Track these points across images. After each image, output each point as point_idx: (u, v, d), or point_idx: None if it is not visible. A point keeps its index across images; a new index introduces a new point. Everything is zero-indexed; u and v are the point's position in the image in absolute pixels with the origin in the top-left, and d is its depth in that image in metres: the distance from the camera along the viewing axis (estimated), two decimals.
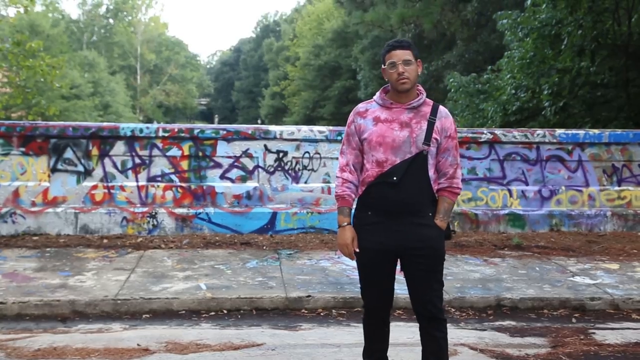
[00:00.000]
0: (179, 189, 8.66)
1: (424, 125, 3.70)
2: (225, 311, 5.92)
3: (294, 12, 68.25)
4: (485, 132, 9.19)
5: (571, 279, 6.92)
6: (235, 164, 8.79)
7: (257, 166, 8.80)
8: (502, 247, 8.25)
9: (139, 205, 8.60)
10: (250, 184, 8.79)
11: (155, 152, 8.62)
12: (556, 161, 9.27)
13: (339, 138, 8.86)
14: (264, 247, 8.05)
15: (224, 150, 8.75)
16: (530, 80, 14.35)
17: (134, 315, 5.81)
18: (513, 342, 5.24)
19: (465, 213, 9.02)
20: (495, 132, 9.22)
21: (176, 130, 8.71)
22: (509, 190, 9.18)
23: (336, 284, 6.47)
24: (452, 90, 17.43)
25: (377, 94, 3.88)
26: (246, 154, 8.78)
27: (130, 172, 8.61)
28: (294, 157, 8.87)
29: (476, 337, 5.33)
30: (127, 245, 7.97)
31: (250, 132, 8.81)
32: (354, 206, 3.87)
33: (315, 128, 9.06)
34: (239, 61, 78.57)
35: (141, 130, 8.60)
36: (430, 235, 3.71)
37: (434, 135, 3.69)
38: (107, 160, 8.57)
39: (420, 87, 3.82)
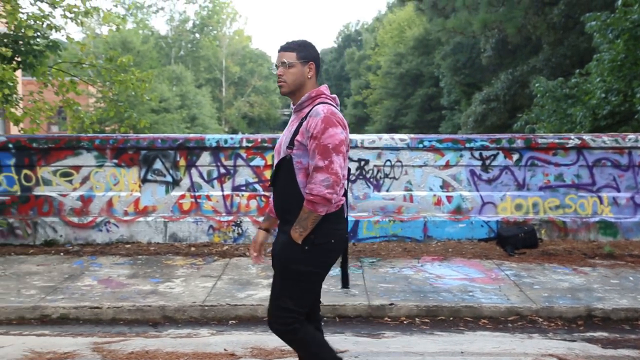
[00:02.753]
0: (262, 198, 8.82)
1: (296, 126, 3.52)
2: None
3: (375, 21, 68.26)
4: (572, 137, 8.92)
5: None
6: None
7: None
8: (593, 256, 7.98)
9: (224, 214, 8.81)
10: None
11: (240, 162, 8.82)
12: None
13: (421, 146, 8.81)
14: None
15: None
16: (621, 84, 13.81)
17: (221, 321, 5.95)
18: (605, 354, 5.06)
19: (552, 221, 8.78)
20: (584, 137, 8.93)
21: (259, 140, 8.88)
22: (599, 197, 8.86)
23: (419, 292, 6.43)
24: (538, 95, 16.98)
25: None
26: None
27: (215, 182, 8.84)
28: (375, 166, 8.88)
29: (565, 348, 5.17)
30: (214, 253, 8.18)
31: None
32: None
33: (397, 136, 9.04)
34: (321, 71, 79.18)
35: (226, 141, 8.82)
36: (282, 244, 3.54)
37: (297, 137, 3.46)
38: (193, 171, 8.83)
39: (320, 88, 3.59)
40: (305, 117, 3.47)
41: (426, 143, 8.86)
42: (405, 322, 5.91)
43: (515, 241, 8.32)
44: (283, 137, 3.62)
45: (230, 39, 69.76)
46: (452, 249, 8.34)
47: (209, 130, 49.73)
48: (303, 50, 3.55)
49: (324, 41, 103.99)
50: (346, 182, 3.61)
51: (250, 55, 72.60)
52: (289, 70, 3.52)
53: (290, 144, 3.47)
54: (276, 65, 3.57)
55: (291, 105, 3.68)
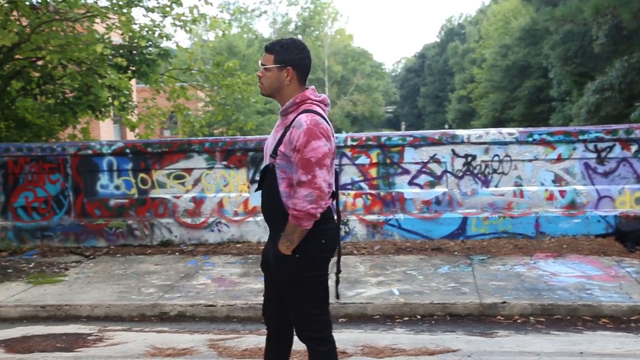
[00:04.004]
0: (368, 196, 8.82)
1: (280, 134, 3.39)
2: (418, 316, 5.94)
3: (478, 13, 66.83)
4: None
5: None
6: (423, 169, 8.78)
7: (445, 171, 8.73)
8: None
9: None
10: (439, 190, 8.73)
11: (345, 160, 8.86)
12: None
13: (530, 139, 8.54)
14: (455, 253, 7.96)
15: (411, 156, 8.78)
16: None
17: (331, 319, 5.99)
18: None
19: None
20: None
21: (364, 138, 8.88)
22: None
23: (533, 290, 6.23)
24: None
25: None
26: (434, 159, 8.74)
27: None
28: (483, 161, 8.68)
29: None
30: None
31: (437, 137, 8.75)
32: None
33: (505, 130, 8.80)
34: (424, 67, 78.30)
35: None
36: (274, 256, 3.46)
37: (280, 147, 3.34)
38: None
39: (300, 93, 3.41)
40: (290, 125, 3.35)
41: (536, 136, 8.57)
42: (518, 320, 5.75)
43: (636, 237, 7.90)
44: (269, 141, 3.51)
45: (332, 39, 70.23)
46: (567, 245, 8.02)
47: None
48: (282, 53, 3.38)
49: (427, 36, 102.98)
50: (334, 186, 3.54)
51: (352, 54, 72.79)
52: (266, 73, 3.41)
53: (274, 153, 3.37)
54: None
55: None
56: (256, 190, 3.50)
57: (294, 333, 3.61)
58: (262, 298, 3.72)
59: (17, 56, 9.74)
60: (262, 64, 3.40)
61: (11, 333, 5.88)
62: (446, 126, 59.90)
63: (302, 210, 3.27)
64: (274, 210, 3.43)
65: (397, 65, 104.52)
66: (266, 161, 3.46)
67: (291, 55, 3.38)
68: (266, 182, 3.43)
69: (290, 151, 3.30)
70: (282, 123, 3.44)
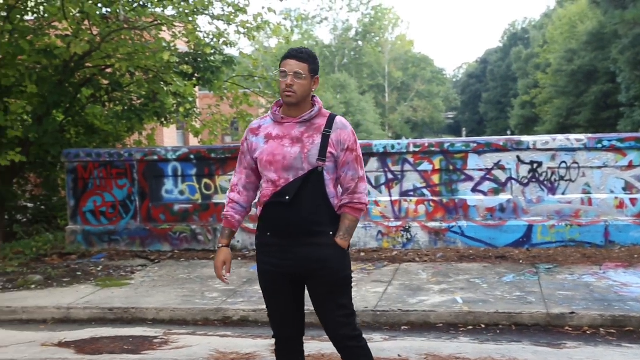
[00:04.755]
0: (431, 203, 8.73)
1: (317, 139, 3.40)
2: (483, 325, 5.83)
3: (543, 17, 65.49)
4: None
5: None
6: (487, 176, 8.64)
7: (510, 178, 8.57)
8: None
9: (393, 219, 8.82)
10: (504, 197, 8.58)
11: (407, 167, 8.79)
12: None
13: (599, 146, 8.30)
14: (520, 261, 7.79)
15: (474, 163, 8.65)
16: None
17: (393, 327, 5.95)
18: None
19: None
20: None
21: (427, 145, 8.80)
22: None
23: (603, 301, 6.04)
24: None
25: (271, 107, 3.56)
26: (498, 165, 8.59)
27: (383, 187, 8.87)
28: (549, 168, 8.48)
29: None
30: (383, 259, 8.21)
31: (501, 143, 8.60)
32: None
33: (572, 136, 8.58)
34: (486, 72, 77.23)
35: (393, 147, 8.83)
36: (329, 255, 3.43)
37: (329, 149, 3.40)
38: None
39: (316, 98, 3.50)
40: (329, 128, 3.42)
41: (605, 143, 8.32)
42: (588, 332, 5.58)
43: None
44: (288, 149, 3.41)
45: (393, 45, 70.05)
46: (638, 255, 7.75)
47: (373, 136, 50.24)
48: (314, 63, 3.46)
49: (489, 41, 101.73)
50: None
51: (413, 60, 72.44)
52: (299, 81, 3.39)
53: (323, 156, 3.39)
54: (283, 72, 3.41)
55: (272, 113, 3.54)
56: (288, 199, 3.37)
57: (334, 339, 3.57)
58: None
59: (87, 64, 10.04)
60: (299, 72, 3.38)
61: (81, 334, 6.05)
62: (509, 132, 58.90)
63: (365, 203, 3.52)
64: (319, 214, 3.42)
65: (458, 71, 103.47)
66: (295, 168, 3.39)
67: (318, 65, 3.52)
68: (308, 187, 3.40)
69: (340, 152, 3.44)
70: (311, 128, 3.44)
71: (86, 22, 9.51)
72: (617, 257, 7.69)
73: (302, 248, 3.41)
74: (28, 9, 9.97)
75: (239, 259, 8.58)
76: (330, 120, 3.46)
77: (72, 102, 10.59)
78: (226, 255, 3.65)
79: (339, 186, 3.52)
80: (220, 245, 3.67)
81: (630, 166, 8.29)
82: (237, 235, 8.98)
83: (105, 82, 10.74)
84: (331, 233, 3.44)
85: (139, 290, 7.24)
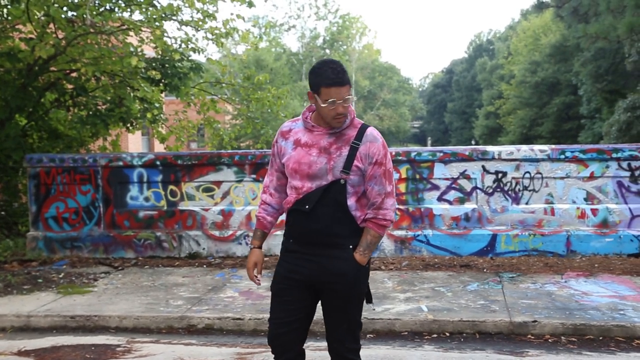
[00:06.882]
0: (397, 212, 8.78)
1: (345, 151, 3.35)
2: (447, 334, 5.87)
3: (508, 29, 66.56)
4: None
5: None
6: (453, 185, 8.73)
7: (475, 187, 8.67)
8: None
9: None
10: (469, 206, 8.67)
11: None
12: None
13: (562, 157, 8.45)
14: (485, 270, 7.87)
15: (441, 172, 8.73)
16: None
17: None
18: None
19: None
20: None
21: (393, 153, 8.84)
22: None
23: (564, 310, 6.13)
24: None
25: (303, 112, 3.53)
26: (464, 175, 8.69)
27: None
28: (513, 178, 8.60)
29: None
30: None
31: (467, 153, 8.70)
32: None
33: (536, 147, 8.72)
34: (451, 82, 78.14)
35: None
36: (345, 270, 3.37)
37: (355, 162, 3.34)
38: None
39: (350, 108, 3.42)
40: (359, 140, 3.36)
41: (568, 154, 8.48)
42: (550, 340, 5.65)
43: None
44: (314, 159, 3.38)
45: (360, 53, 70.36)
46: (599, 264, 7.90)
47: None
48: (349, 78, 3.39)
49: (454, 52, 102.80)
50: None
51: (380, 69, 72.86)
52: (348, 104, 3.34)
53: (347, 169, 3.33)
54: (332, 101, 3.28)
55: (302, 119, 3.51)
56: (308, 209, 3.36)
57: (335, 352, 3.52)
58: None
59: (52, 68, 9.90)
60: (346, 99, 3.31)
61: (41, 343, 5.93)
62: (473, 142, 59.61)
63: (390, 219, 3.44)
64: (339, 225, 3.37)
65: (424, 81, 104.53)
66: (319, 178, 3.37)
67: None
68: (329, 198, 3.36)
69: (368, 165, 3.36)
70: (340, 139, 3.39)
71: (51, 26, 9.38)
72: (579, 267, 7.82)
73: (320, 258, 3.39)
74: None
75: (205, 266, 8.52)
76: (361, 131, 3.38)
77: (35, 107, 10.42)
78: (257, 257, 3.67)
79: (365, 199, 3.44)
80: (252, 246, 3.69)
81: (592, 177, 8.45)
82: (202, 242, 8.97)
83: (70, 86, 10.59)
84: (351, 247, 3.39)
85: (101, 297, 7.13)
